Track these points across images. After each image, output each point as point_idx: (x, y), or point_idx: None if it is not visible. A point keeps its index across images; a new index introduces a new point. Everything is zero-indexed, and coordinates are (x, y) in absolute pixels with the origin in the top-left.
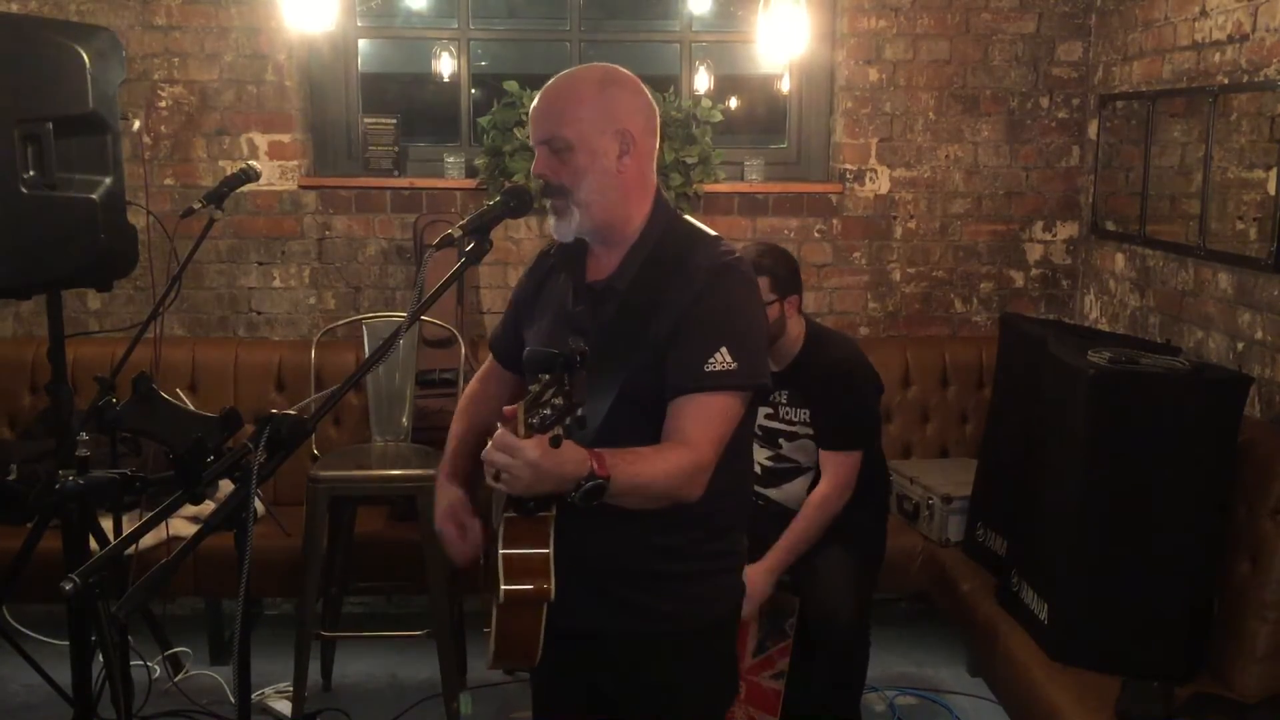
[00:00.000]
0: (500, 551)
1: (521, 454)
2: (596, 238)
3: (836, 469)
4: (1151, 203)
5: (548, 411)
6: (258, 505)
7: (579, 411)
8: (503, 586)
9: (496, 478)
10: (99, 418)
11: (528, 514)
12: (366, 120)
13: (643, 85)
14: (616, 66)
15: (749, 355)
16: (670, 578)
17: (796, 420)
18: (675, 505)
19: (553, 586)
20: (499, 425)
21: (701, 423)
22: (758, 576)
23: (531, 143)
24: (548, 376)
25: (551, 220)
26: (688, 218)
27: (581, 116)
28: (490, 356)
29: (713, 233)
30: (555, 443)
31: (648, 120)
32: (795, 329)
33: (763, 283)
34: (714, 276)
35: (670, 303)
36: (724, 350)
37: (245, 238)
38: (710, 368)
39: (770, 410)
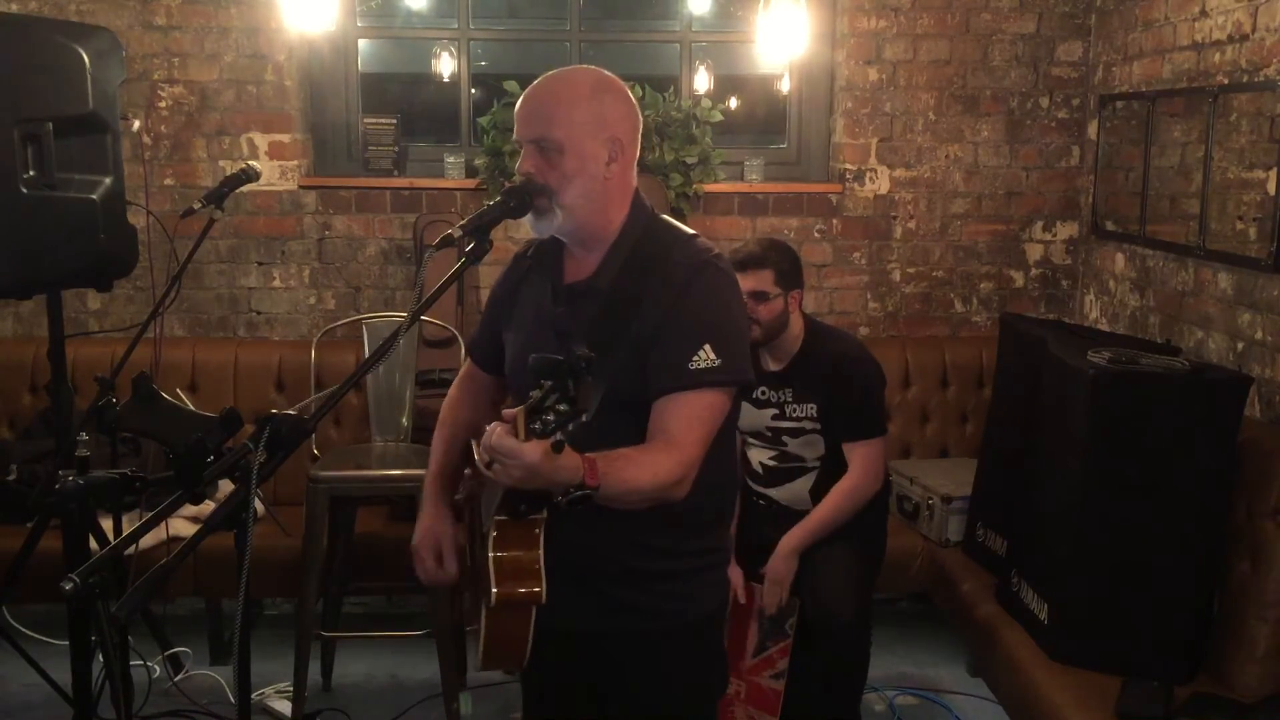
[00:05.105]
0: (491, 554)
1: (520, 457)
2: (574, 239)
3: (863, 459)
4: (1151, 203)
5: (550, 417)
6: (258, 505)
7: (584, 418)
8: (494, 590)
9: (489, 466)
10: (99, 418)
11: (519, 517)
12: (366, 120)
13: (628, 90)
14: (604, 71)
15: (732, 351)
16: (659, 576)
17: (803, 416)
18: (662, 505)
19: (544, 590)
20: (497, 424)
21: (687, 422)
22: (779, 560)
23: (517, 139)
24: (550, 383)
25: (530, 217)
26: (665, 217)
27: (575, 120)
28: (468, 360)
29: (690, 231)
30: (558, 448)
31: (634, 127)
32: (796, 326)
33: (767, 276)
34: (693, 274)
35: (652, 302)
36: (707, 347)
37: (245, 238)
38: (694, 365)
39: (777, 411)
